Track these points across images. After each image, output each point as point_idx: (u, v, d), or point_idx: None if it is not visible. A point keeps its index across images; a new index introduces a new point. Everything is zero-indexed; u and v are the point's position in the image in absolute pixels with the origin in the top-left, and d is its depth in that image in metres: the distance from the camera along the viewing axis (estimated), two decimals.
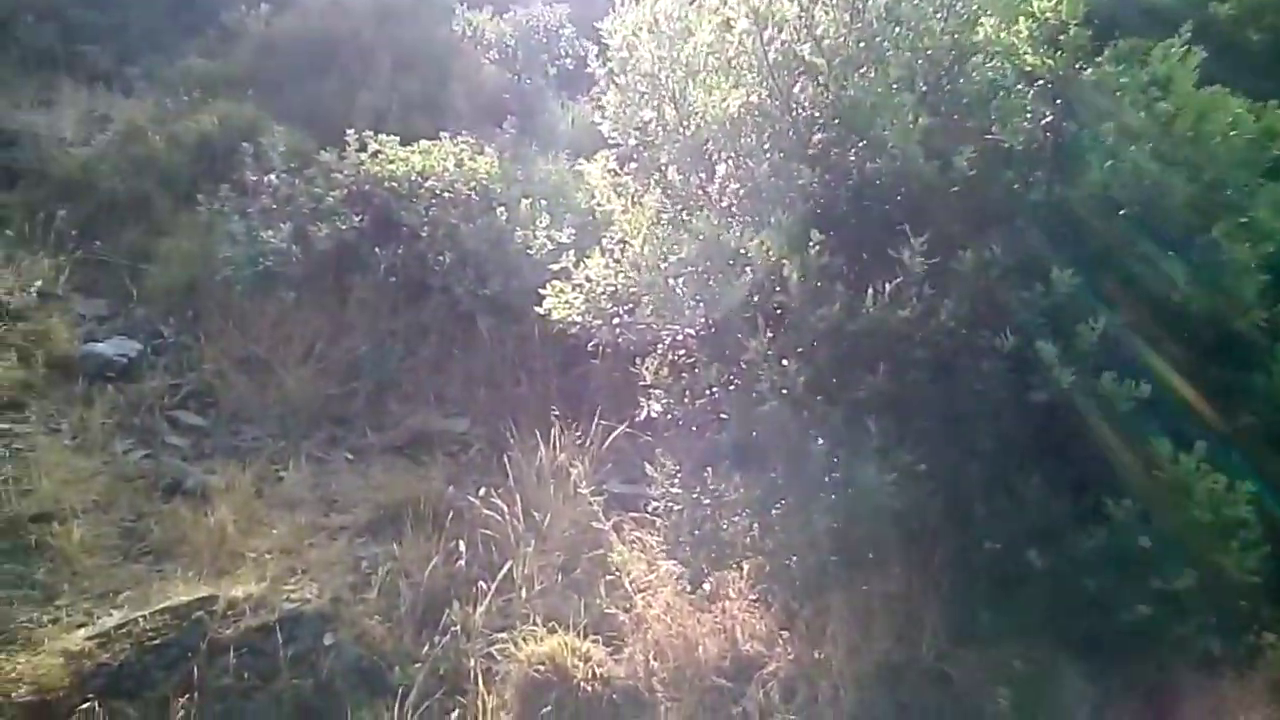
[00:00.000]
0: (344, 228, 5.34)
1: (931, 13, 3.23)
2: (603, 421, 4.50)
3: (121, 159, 6.53)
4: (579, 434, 4.60)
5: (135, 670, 3.00)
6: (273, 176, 5.48)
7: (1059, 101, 3.04)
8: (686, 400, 3.63)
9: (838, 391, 2.94)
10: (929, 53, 3.27)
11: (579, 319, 4.35)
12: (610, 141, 4.46)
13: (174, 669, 3.02)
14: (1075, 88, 3.03)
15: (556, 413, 4.56)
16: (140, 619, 3.14)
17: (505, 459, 4.46)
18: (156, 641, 3.08)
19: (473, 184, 5.77)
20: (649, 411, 3.97)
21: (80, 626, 3.16)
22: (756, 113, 3.68)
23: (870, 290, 2.94)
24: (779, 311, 3.04)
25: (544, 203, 5.85)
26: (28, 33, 9.43)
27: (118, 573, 3.52)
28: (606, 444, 4.37)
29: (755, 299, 3.15)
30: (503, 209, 5.63)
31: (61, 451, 4.16)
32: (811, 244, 3.03)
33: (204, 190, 6.10)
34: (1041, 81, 3.01)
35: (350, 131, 5.82)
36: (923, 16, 3.23)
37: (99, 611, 3.27)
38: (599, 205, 4.48)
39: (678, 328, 3.54)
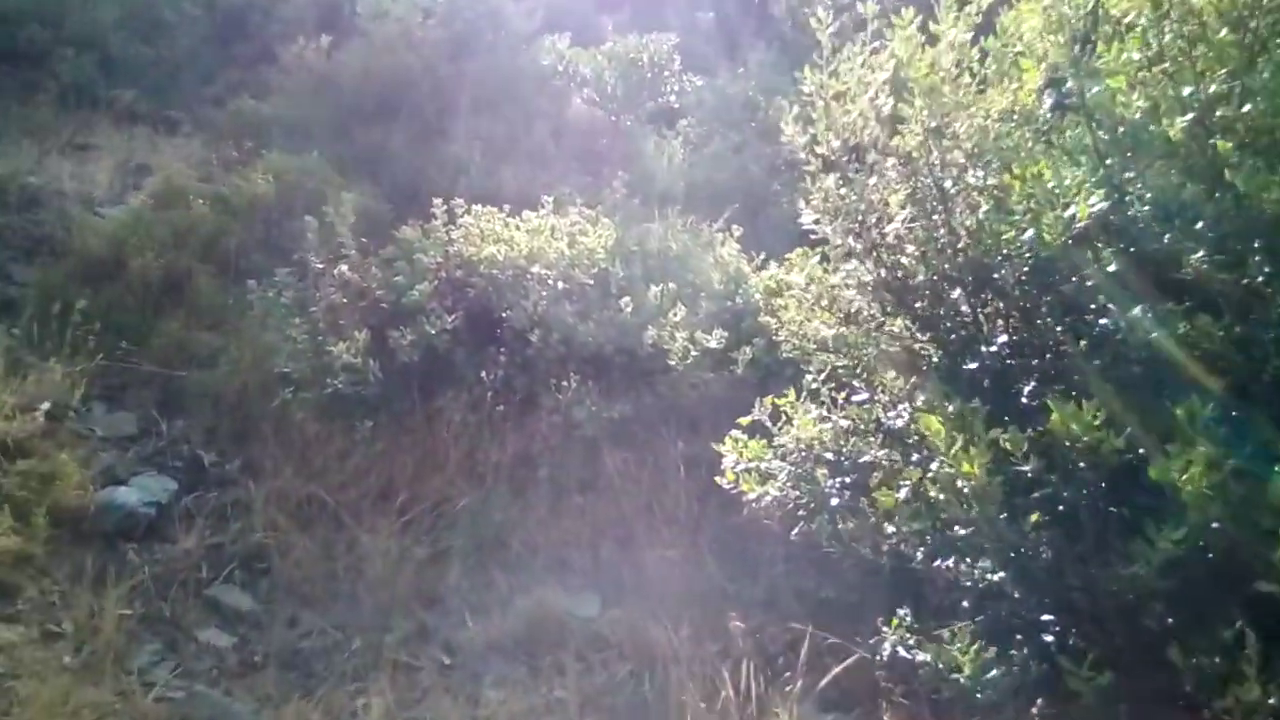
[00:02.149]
0: (433, 331, 4.14)
1: None
2: (793, 623, 3.25)
3: (158, 226, 5.42)
4: (757, 633, 3.38)
5: None
6: (344, 267, 4.29)
7: None
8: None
9: None
10: None
11: (776, 492, 3.14)
12: (812, 237, 3.31)
13: None
14: None
15: (733, 615, 3.32)
16: None
17: (661, 673, 3.24)
18: None
19: (591, 268, 4.57)
20: (894, 648, 2.76)
21: None
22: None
23: None
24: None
25: (672, 286, 4.65)
26: (66, 68, 8.45)
27: None
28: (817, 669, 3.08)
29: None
30: (627, 300, 4.42)
31: (59, 674, 2.98)
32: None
33: (257, 270, 4.98)
34: None
35: (438, 202, 4.66)
36: None
37: None
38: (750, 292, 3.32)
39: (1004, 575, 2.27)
